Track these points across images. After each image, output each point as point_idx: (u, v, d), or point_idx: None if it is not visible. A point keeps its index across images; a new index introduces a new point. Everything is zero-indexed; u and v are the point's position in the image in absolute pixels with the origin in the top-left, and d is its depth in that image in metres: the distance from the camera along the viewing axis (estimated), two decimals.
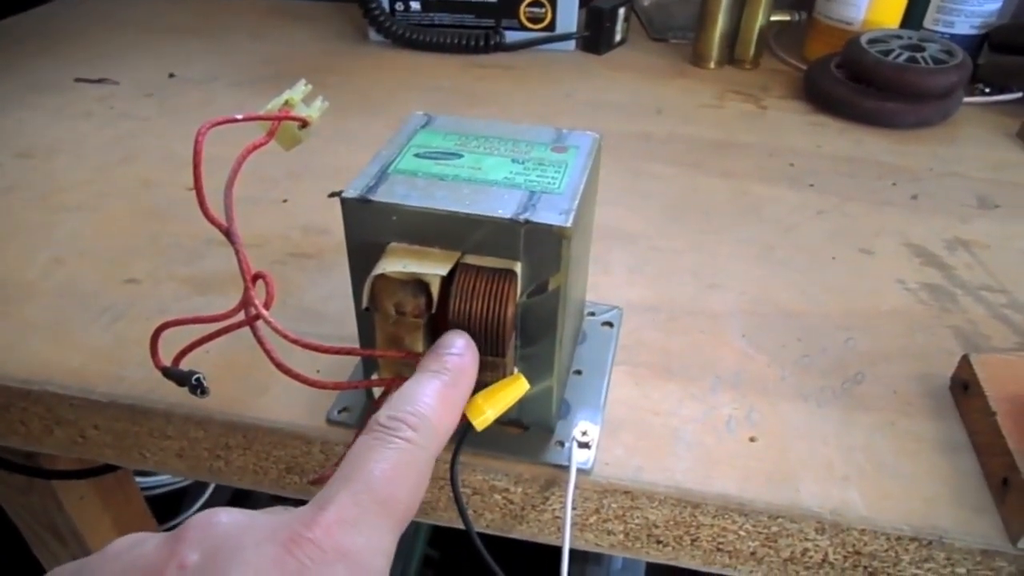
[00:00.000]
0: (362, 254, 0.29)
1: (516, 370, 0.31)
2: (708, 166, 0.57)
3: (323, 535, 0.21)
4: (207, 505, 1.03)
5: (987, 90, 0.68)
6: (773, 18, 0.72)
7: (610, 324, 0.41)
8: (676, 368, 0.38)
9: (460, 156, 0.31)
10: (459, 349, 0.27)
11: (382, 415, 0.25)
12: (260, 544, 0.20)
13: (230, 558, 0.20)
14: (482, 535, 0.35)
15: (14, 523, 0.67)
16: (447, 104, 0.67)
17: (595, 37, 0.77)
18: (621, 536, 0.35)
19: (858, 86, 0.64)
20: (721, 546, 0.34)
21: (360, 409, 0.35)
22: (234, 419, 0.36)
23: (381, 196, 0.28)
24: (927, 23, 0.71)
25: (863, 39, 0.64)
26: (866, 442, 0.34)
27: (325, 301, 0.42)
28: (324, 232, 0.48)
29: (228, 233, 0.27)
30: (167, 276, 0.44)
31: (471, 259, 0.28)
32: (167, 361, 0.30)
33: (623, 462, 0.33)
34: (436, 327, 0.29)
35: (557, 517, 0.35)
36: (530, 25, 0.77)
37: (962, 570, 0.31)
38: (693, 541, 0.34)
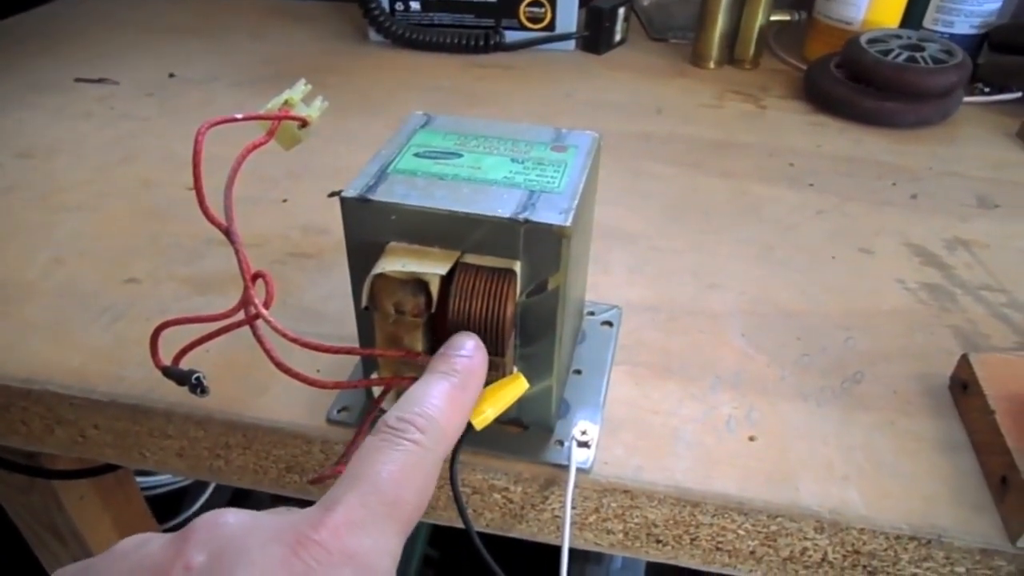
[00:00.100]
0: (362, 253, 0.29)
1: (515, 369, 0.31)
2: (708, 166, 0.57)
3: (330, 537, 0.21)
4: (207, 505, 1.03)
5: (987, 90, 0.68)
6: (773, 18, 0.72)
7: (610, 324, 0.41)
8: (676, 368, 0.38)
9: (460, 156, 0.31)
10: (468, 351, 0.27)
11: (390, 416, 0.24)
12: (266, 545, 0.20)
13: (236, 559, 0.20)
14: (482, 534, 0.35)
15: (14, 523, 0.67)
16: (447, 104, 0.67)
17: (595, 37, 0.77)
18: (620, 535, 0.35)
19: (858, 86, 0.64)
20: (720, 545, 0.34)
21: (360, 408, 0.35)
22: (234, 418, 0.36)
23: (381, 196, 0.28)
24: (927, 23, 0.71)
25: (863, 39, 0.65)
26: (865, 441, 0.34)
27: (325, 301, 0.42)
28: (324, 232, 0.48)
29: (228, 233, 0.27)
30: (167, 276, 0.44)
31: (471, 258, 0.28)
32: (167, 361, 0.30)
33: (623, 461, 0.33)
34: (436, 326, 0.29)
35: (557, 516, 0.35)
36: (530, 25, 0.77)
37: (961, 569, 0.31)
38: (692, 540, 0.34)
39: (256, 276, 0.27)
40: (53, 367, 0.38)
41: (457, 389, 0.26)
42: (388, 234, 0.29)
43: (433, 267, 0.28)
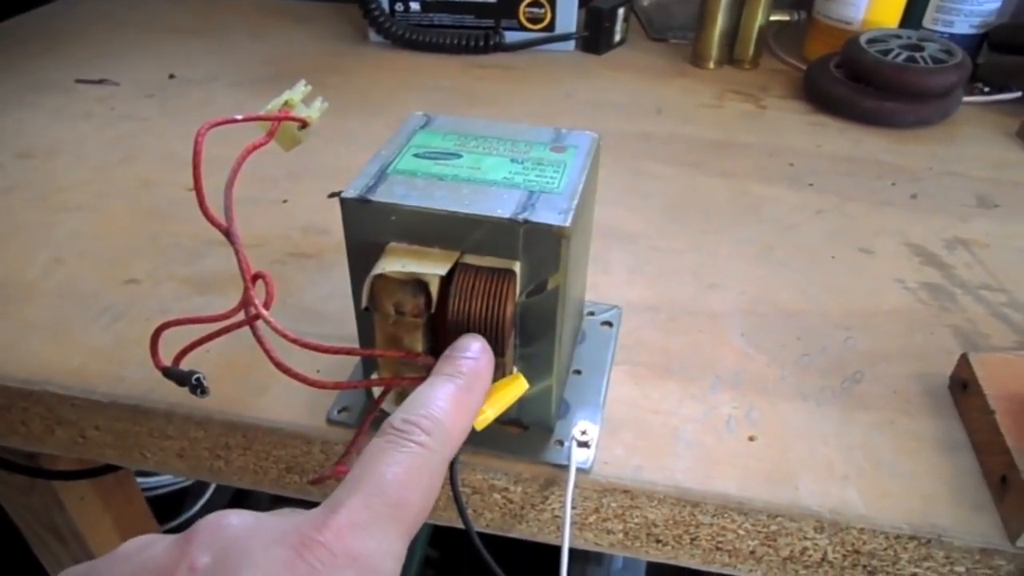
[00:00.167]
0: (361, 254, 0.29)
1: (515, 369, 0.31)
2: (708, 166, 0.57)
3: (334, 538, 0.20)
4: (208, 505, 1.03)
5: (986, 89, 0.68)
6: (772, 18, 0.72)
7: (610, 324, 0.41)
8: (676, 368, 0.38)
9: (459, 156, 0.31)
10: (474, 353, 0.27)
11: (396, 418, 0.24)
12: (270, 547, 0.20)
13: (240, 560, 0.20)
14: (482, 535, 0.35)
15: (15, 523, 0.67)
16: (447, 104, 0.67)
17: (594, 37, 0.77)
18: (620, 535, 0.35)
19: (857, 86, 0.64)
20: (720, 545, 0.34)
21: (360, 409, 0.35)
22: (234, 419, 0.36)
23: (380, 196, 0.28)
24: (926, 23, 0.71)
25: (862, 39, 0.65)
26: (865, 441, 0.35)
27: (325, 301, 0.42)
28: (324, 232, 0.48)
29: (228, 233, 0.27)
30: (167, 276, 0.44)
31: (470, 259, 0.28)
32: (167, 361, 0.30)
33: (622, 461, 0.33)
34: (435, 327, 0.29)
35: (557, 516, 0.35)
36: (530, 25, 0.77)
37: (961, 568, 0.31)
38: (692, 540, 0.34)
39: (256, 277, 0.27)
40: (53, 367, 0.38)
41: (463, 391, 0.26)
42: (388, 234, 0.29)
43: (433, 267, 0.28)
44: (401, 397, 0.30)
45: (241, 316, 0.27)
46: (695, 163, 0.57)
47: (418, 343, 0.28)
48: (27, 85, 0.69)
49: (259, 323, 0.27)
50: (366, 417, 0.31)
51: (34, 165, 0.56)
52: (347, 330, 0.37)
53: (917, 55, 0.63)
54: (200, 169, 0.26)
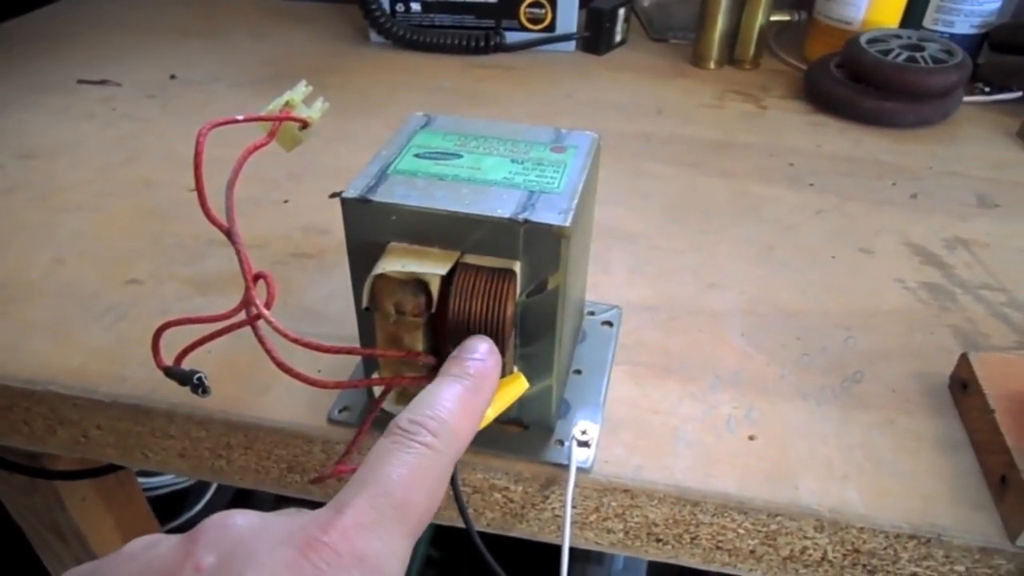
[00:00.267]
0: (362, 254, 0.29)
1: (516, 369, 0.31)
2: (708, 166, 0.57)
3: (339, 539, 0.20)
4: (209, 505, 1.03)
5: (987, 89, 0.68)
6: (773, 18, 0.72)
7: (610, 323, 0.41)
8: (676, 367, 0.39)
9: (459, 156, 0.31)
10: (482, 355, 0.27)
11: (402, 419, 0.24)
12: (276, 547, 0.20)
13: (246, 561, 0.20)
14: (483, 534, 0.35)
15: (17, 524, 0.67)
16: (448, 105, 0.67)
17: (595, 38, 0.77)
18: (621, 534, 0.35)
19: (858, 86, 0.64)
20: (720, 544, 0.34)
21: (361, 408, 0.35)
22: (235, 419, 0.36)
23: (381, 196, 0.28)
24: (927, 23, 0.71)
25: (863, 39, 0.65)
26: (865, 440, 0.35)
27: (326, 301, 0.42)
28: (325, 232, 0.49)
29: (229, 233, 0.27)
30: (169, 276, 0.45)
31: (470, 259, 0.28)
32: (169, 361, 0.30)
33: (623, 461, 0.33)
34: (436, 326, 0.29)
35: (557, 516, 0.35)
36: (530, 26, 0.77)
37: (961, 568, 0.32)
38: (693, 539, 0.34)
39: (257, 277, 0.27)
40: (55, 367, 0.38)
41: (470, 392, 0.26)
42: (388, 234, 0.29)
43: (433, 267, 0.28)
44: (402, 396, 0.30)
45: (242, 316, 0.27)
46: (695, 163, 0.58)
47: (419, 343, 0.28)
48: (28, 86, 0.69)
49: (260, 323, 0.27)
50: (367, 416, 0.31)
51: (35, 165, 0.56)
52: (348, 330, 0.37)
53: (917, 55, 0.63)
54: (201, 169, 0.26)
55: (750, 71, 0.74)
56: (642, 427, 0.35)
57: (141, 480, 0.95)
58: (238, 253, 0.26)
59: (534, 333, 0.30)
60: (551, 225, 0.27)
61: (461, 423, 0.25)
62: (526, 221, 0.27)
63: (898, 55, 0.62)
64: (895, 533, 0.31)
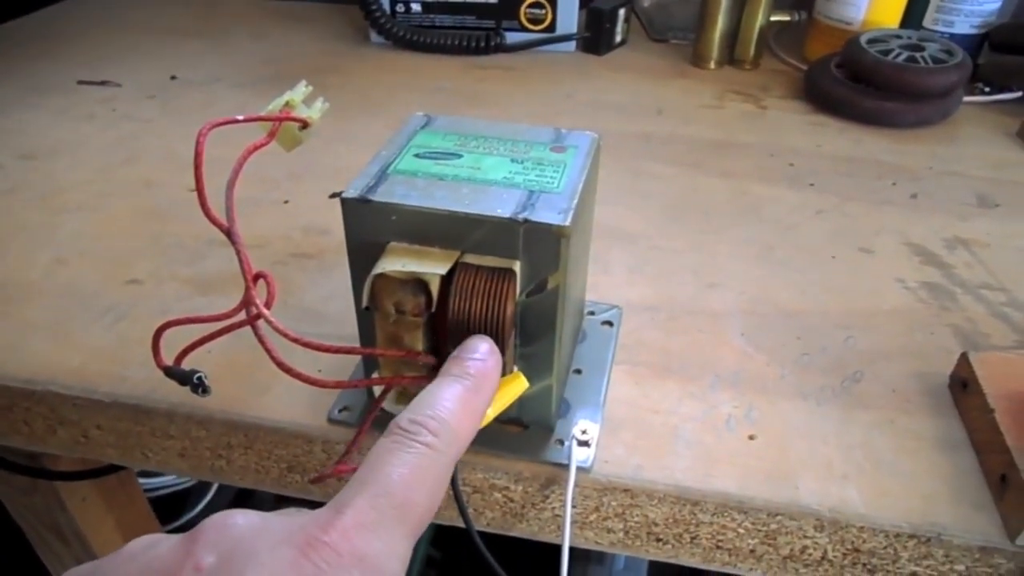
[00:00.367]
0: (362, 254, 0.29)
1: (515, 368, 0.31)
2: (708, 166, 0.57)
3: (340, 539, 0.20)
4: (210, 506, 1.03)
5: (987, 89, 0.68)
6: (773, 18, 0.72)
7: (610, 323, 0.41)
8: (676, 367, 0.39)
9: (459, 156, 0.31)
10: (482, 354, 0.27)
11: (402, 419, 0.24)
12: (276, 547, 0.20)
13: (246, 561, 0.20)
14: (484, 534, 0.35)
15: (17, 524, 0.67)
16: (448, 105, 0.67)
17: (595, 38, 0.77)
18: (621, 534, 0.35)
19: (858, 86, 0.64)
20: (720, 544, 0.34)
21: (361, 408, 0.36)
22: (236, 418, 0.36)
23: (381, 196, 0.28)
24: (927, 23, 0.71)
25: (863, 39, 0.65)
26: (865, 440, 0.35)
27: (326, 301, 0.42)
28: (325, 232, 0.49)
29: (229, 233, 0.27)
30: (169, 276, 0.45)
31: (470, 258, 0.28)
32: (169, 361, 0.30)
33: (623, 460, 0.33)
34: (436, 326, 0.29)
35: (557, 515, 0.35)
36: (530, 26, 0.77)
37: (960, 567, 0.32)
38: (693, 539, 0.34)
39: (257, 276, 0.27)
40: (55, 367, 0.38)
41: (470, 392, 0.26)
42: (388, 234, 0.29)
43: (433, 267, 0.28)
44: (402, 396, 0.30)
45: (242, 316, 0.27)
46: (695, 163, 0.58)
47: (418, 342, 0.28)
48: (29, 86, 0.69)
49: (260, 323, 0.27)
50: (367, 416, 0.31)
51: (36, 166, 0.56)
52: (348, 330, 0.37)
53: (917, 55, 0.63)
54: (202, 169, 0.26)
55: (750, 71, 0.75)
56: (642, 427, 0.35)
57: (142, 481, 0.95)
58: (238, 253, 0.26)
59: (534, 333, 0.30)
60: (551, 225, 0.27)
61: (461, 423, 0.25)
62: (526, 221, 0.27)
63: (898, 55, 0.63)
64: (895, 532, 0.31)
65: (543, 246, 0.28)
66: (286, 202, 0.52)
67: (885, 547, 0.32)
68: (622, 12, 0.77)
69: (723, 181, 0.55)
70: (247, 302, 0.27)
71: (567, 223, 0.27)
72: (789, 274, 0.45)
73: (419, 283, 0.28)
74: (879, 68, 0.62)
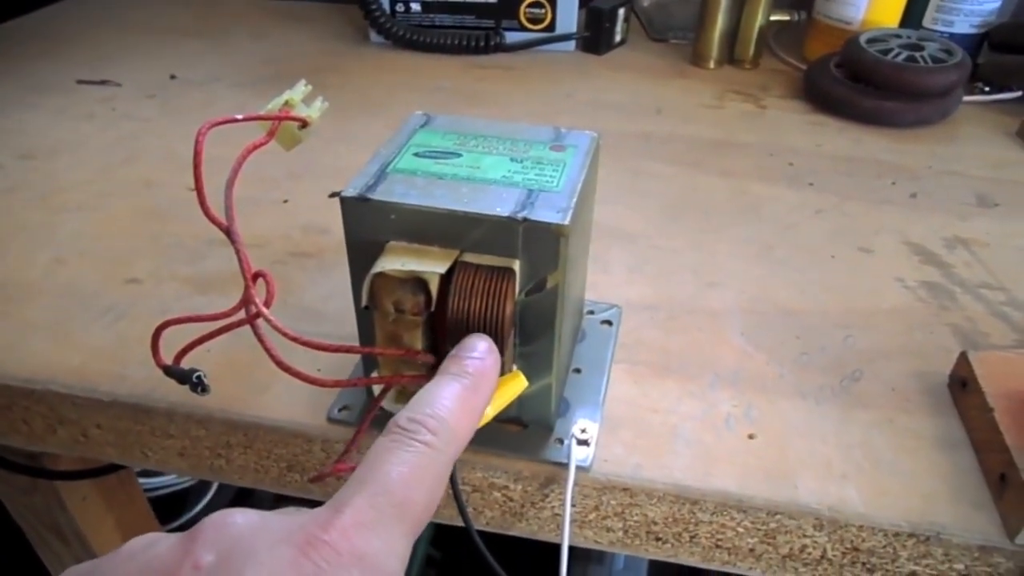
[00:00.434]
0: (361, 252, 0.29)
1: (515, 367, 0.31)
2: (708, 165, 0.57)
3: (339, 538, 0.20)
4: (210, 506, 1.03)
5: (987, 89, 0.68)
6: (773, 18, 0.72)
7: (609, 322, 0.41)
8: (675, 366, 0.39)
9: (459, 155, 0.31)
10: (481, 353, 0.27)
11: (401, 417, 0.24)
12: (275, 546, 0.20)
13: (245, 559, 0.20)
14: (484, 534, 0.35)
15: (17, 524, 0.67)
16: (447, 105, 0.67)
17: (595, 37, 0.77)
18: (620, 533, 0.35)
19: (857, 85, 0.64)
20: (720, 543, 0.34)
21: (360, 407, 0.36)
22: (235, 417, 0.36)
23: (380, 195, 0.28)
24: (926, 22, 0.71)
25: (862, 38, 0.65)
26: (864, 439, 0.35)
27: (325, 300, 0.42)
28: (324, 232, 0.49)
29: (228, 232, 0.27)
30: (169, 276, 0.45)
31: (470, 257, 0.28)
32: (168, 360, 0.30)
33: (622, 459, 0.33)
34: (435, 325, 0.29)
35: (556, 514, 0.35)
36: (530, 26, 0.77)
37: (960, 566, 0.32)
38: (692, 538, 0.34)
39: (257, 275, 0.27)
40: (55, 367, 0.38)
41: (469, 391, 0.26)
42: (388, 233, 0.29)
43: (432, 266, 0.28)
44: (401, 395, 0.30)
45: (242, 315, 0.27)
46: (695, 163, 0.58)
47: (418, 341, 0.28)
48: (28, 86, 0.69)
49: (260, 322, 0.27)
50: (366, 415, 0.31)
51: (35, 166, 0.56)
52: (348, 329, 0.37)
53: (917, 55, 0.63)
54: (201, 168, 0.26)
55: (750, 71, 0.75)
56: (641, 426, 0.35)
57: (142, 480, 0.95)
58: (237, 252, 0.26)
59: (533, 332, 0.30)
60: (550, 224, 0.27)
61: (460, 421, 0.25)
62: (525, 220, 0.27)
63: (898, 55, 0.63)
64: (894, 531, 0.31)
65: (542, 245, 0.28)
66: (286, 201, 0.52)
67: (884, 546, 0.32)
68: (622, 12, 0.77)
69: (723, 180, 0.55)
70: (246, 301, 0.27)
71: (566, 222, 0.27)
72: (788, 273, 0.45)
73: (418, 282, 0.28)
74: (879, 68, 0.62)
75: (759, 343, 0.40)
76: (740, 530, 0.33)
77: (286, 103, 0.30)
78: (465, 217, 0.28)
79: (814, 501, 0.32)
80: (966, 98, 0.66)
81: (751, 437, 0.35)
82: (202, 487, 1.05)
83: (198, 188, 0.26)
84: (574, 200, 0.28)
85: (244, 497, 1.05)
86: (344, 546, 0.20)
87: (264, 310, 0.26)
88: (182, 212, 0.51)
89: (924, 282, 0.45)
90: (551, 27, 0.77)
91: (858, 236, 0.49)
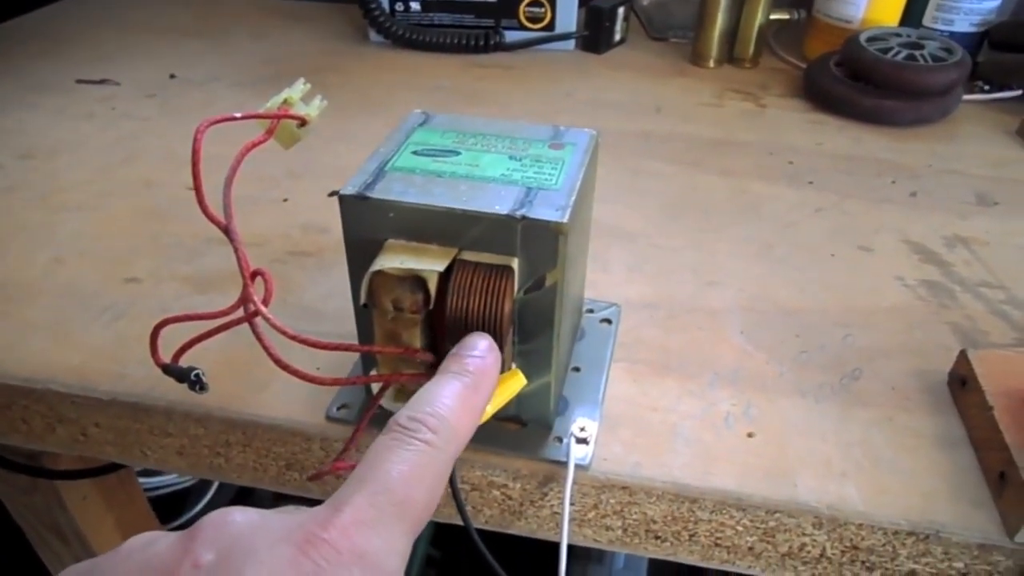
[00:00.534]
0: (360, 251, 0.29)
1: (514, 366, 0.31)
2: (707, 164, 0.57)
3: (339, 536, 0.20)
4: (210, 505, 1.03)
5: (987, 88, 0.68)
6: (772, 16, 0.72)
7: (609, 321, 0.41)
8: (674, 365, 0.38)
9: (458, 153, 0.31)
10: (481, 351, 0.27)
11: (401, 416, 0.24)
12: (275, 545, 0.20)
13: (244, 558, 0.20)
14: (484, 532, 0.35)
15: (17, 523, 0.67)
16: (447, 104, 0.67)
17: (595, 36, 0.77)
18: (619, 532, 0.35)
19: (857, 84, 0.64)
20: (719, 541, 0.34)
21: (359, 406, 0.36)
22: (234, 416, 0.36)
23: (378, 193, 0.28)
24: (926, 21, 0.71)
25: (862, 37, 0.65)
26: (864, 438, 0.35)
27: (325, 299, 0.42)
28: (324, 231, 0.49)
29: (227, 230, 0.27)
30: (168, 275, 0.45)
31: (468, 255, 0.28)
32: (167, 358, 0.30)
33: (621, 458, 0.33)
34: (434, 323, 0.29)
35: (555, 513, 0.35)
36: (530, 25, 0.77)
37: (959, 564, 0.32)
38: (691, 536, 0.34)
39: (255, 274, 0.27)
40: (54, 366, 0.38)
41: (469, 389, 0.26)
42: (386, 231, 0.29)
43: (431, 264, 0.28)
44: (400, 393, 0.30)
45: (240, 313, 0.27)
46: (695, 161, 0.57)
47: (416, 339, 0.28)
48: (28, 86, 0.69)
49: (258, 320, 0.27)
50: (365, 414, 0.31)
51: (35, 165, 0.56)
52: (347, 328, 0.37)
53: (917, 53, 0.63)
54: (199, 167, 0.26)
55: (749, 70, 0.74)
56: (641, 424, 0.35)
57: (142, 480, 0.95)
58: (236, 250, 0.26)
59: (532, 330, 0.30)
60: (548, 222, 0.27)
61: (461, 420, 0.25)
62: (524, 217, 0.27)
63: (897, 53, 0.62)
64: (894, 530, 0.31)
65: (541, 243, 0.28)
66: (285, 200, 0.52)
67: (884, 544, 0.32)
68: (621, 10, 0.77)
69: (722, 179, 0.55)
70: (244, 299, 0.27)
71: (565, 220, 0.27)
72: (788, 272, 0.45)
73: (417, 280, 0.28)
74: (878, 66, 0.62)
75: (759, 342, 0.40)
76: (739, 528, 0.33)
77: (284, 101, 0.30)
78: (463, 215, 0.28)
79: (813, 499, 0.32)
80: (966, 97, 0.66)
81: (750, 435, 0.35)
82: (202, 486, 1.05)
83: (196, 186, 0.26)
84: (573, 198, 0.28)
85: (245, 496, 1.05)
86: (344, 545, 0.20)
87: (262, 308, 0.26)
88: (182, 211, 0.51)
89: (924, 281, 0.45)
90: (551, 26, 0.77)
91: (858, 235, 0.49)
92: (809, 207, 0.52)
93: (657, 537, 0.34)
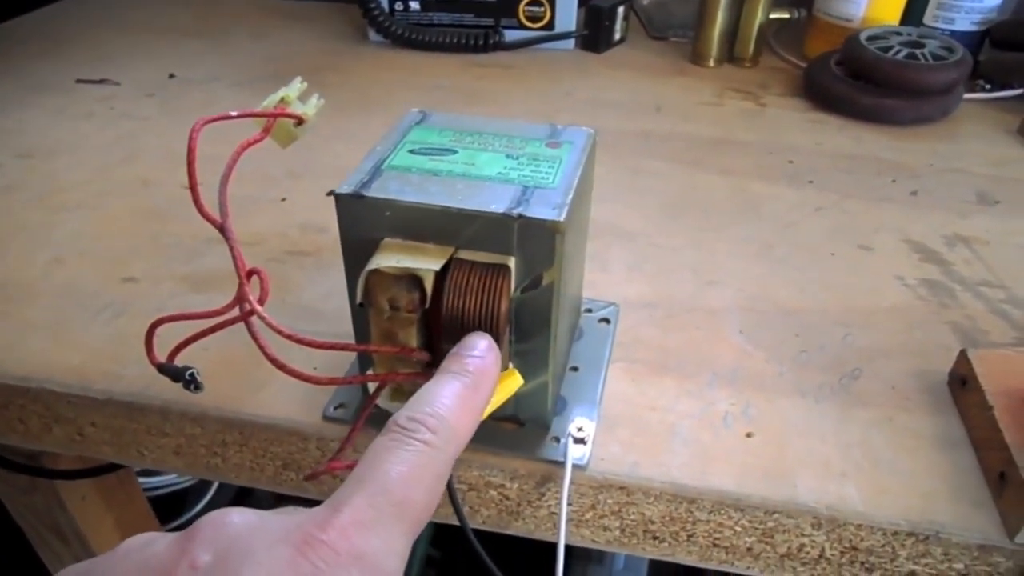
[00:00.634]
0: (356, 250, 0.29)
1: (511, 365, 0.31)
2: (707, 163, 0.57)
3: (338, 537, 0.20)
4: (210, 505, 1.03)
5: (987, 87, 0.68)
6: (773, 16, 0.72)
7: (607, 321, 0.41)
8: (673, 364, 0.38)
9: (454, 152, 0.31)
10: (481, 351, 0.27)
11: (401, 416, 0.24)
12: (273, 545, 0.20)
13: (242, 559, 0.20)
14: (483, 533, 0.35)
15: (17, 523, 0.67)
16: (446, 103, 0.67)
17: (594, 36, 0.77)
18: (617, 532, 0.35)
19: (858, 83, 0.64)
20: (718, 542, 0.34)
21: (356, 405, 0.35)
22: (230, 415, 0.36)
23: (375, 192, 0.28)
24: (927, 20, 0.71)
25: (863, 36, 0.64)
26: (863, 438, 0.34)
27: (323, 299, 0.42)
28: (322, 230, 0.48)
29: (222, 229, 0.27)
30: (166, 275, 0.44)
31: (465, 254, 0.28)
32: (162, 358, 0.30)
33: (619, 458, 0.33)
34: (430, 322, 0.29)
35: (553, 513, 0.34)
36: (529, 24, 0.77)
37: (959, 565, 0.31)
38: (689, 537, 0.34)
39: (251, 273, 0.27)
40: (52, 366, 0.38)
41: (469, 389, 0.26)
42: (382, 230, 0.29)
43: (427, 263, 0.28)
44: (396, 393, 0.30)
45: (236, 312, 0.27)
46: (694, 161, 0.57)
47: (413, 339, 0.28)
48: (27, 85, 0.69)
49: (254, 319, 0.27)
50: (362, 413, 0.31)
51: (34, 165, 0.56)
52: (345, 328, 0.37)
53: (917, 52, 0.62)
54: (194, 165, 0.26)
55: (750, 69, 0.74)
56: (639, 424, 0.35)
57: (141, 480, 0.95)
58: (231, 249, 0.26)
59: (529, 329, 0.30)
60: (545, 220, 0.27)
61: (460, 421, 0.25)
62: (520, 216, 0.27)
63: (898, 52, 0.62)
64: (893, 530, 0.31)
65: (538, 242, 0.28)
66: (284, 200, 0.52)
67: (883, 545, 0.32)
68: (621, 10, 0.77)
69: (722, 179, 0.55)
70: (240, 298, 0.27)
71: (562, 219, 0.27)
72: (788, 272, 0.45)
73: (413, 279, 0.27)
74: (879, 65, 0.62)
75: (758, 341, 0.40)
76: (738, 529, 0.33)
77: (281, 100, 0.30)
78: (460, 214, 0.28)
79: (812, 500, 0.32)
80: (967, 96, 0.66)
81: (749, 436, 0.34)
82: (202, 487, 1.05)
83: (191, 185, 0.26)
84: (570, 197, 0.28)
85: (245, 496, 1.05)
86: (342, 545, 0.20)
87: (258, 307, 0.26)
88: (180, 211, 0.51)
89: (924, 280, 0.45)
90: (550, 25, 0.77)
91: (858, 234, 0.49)
92: (809, 206, 0.52)
93: (655, 537, 0.34)
